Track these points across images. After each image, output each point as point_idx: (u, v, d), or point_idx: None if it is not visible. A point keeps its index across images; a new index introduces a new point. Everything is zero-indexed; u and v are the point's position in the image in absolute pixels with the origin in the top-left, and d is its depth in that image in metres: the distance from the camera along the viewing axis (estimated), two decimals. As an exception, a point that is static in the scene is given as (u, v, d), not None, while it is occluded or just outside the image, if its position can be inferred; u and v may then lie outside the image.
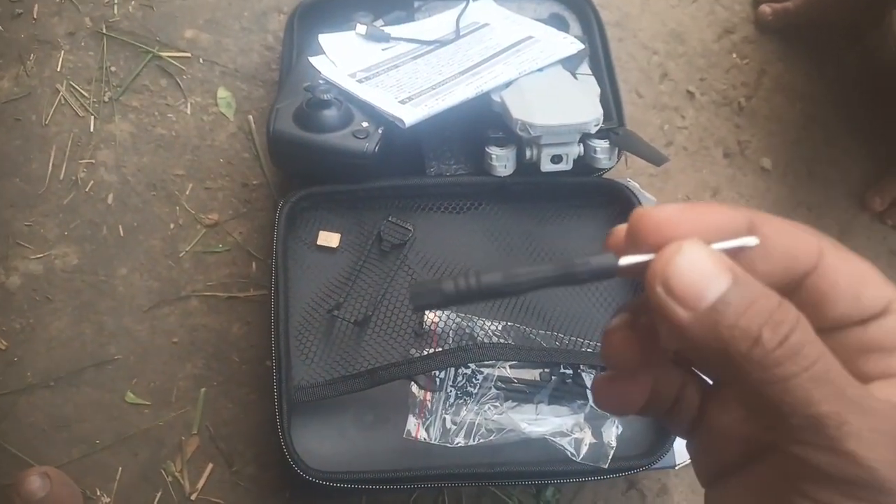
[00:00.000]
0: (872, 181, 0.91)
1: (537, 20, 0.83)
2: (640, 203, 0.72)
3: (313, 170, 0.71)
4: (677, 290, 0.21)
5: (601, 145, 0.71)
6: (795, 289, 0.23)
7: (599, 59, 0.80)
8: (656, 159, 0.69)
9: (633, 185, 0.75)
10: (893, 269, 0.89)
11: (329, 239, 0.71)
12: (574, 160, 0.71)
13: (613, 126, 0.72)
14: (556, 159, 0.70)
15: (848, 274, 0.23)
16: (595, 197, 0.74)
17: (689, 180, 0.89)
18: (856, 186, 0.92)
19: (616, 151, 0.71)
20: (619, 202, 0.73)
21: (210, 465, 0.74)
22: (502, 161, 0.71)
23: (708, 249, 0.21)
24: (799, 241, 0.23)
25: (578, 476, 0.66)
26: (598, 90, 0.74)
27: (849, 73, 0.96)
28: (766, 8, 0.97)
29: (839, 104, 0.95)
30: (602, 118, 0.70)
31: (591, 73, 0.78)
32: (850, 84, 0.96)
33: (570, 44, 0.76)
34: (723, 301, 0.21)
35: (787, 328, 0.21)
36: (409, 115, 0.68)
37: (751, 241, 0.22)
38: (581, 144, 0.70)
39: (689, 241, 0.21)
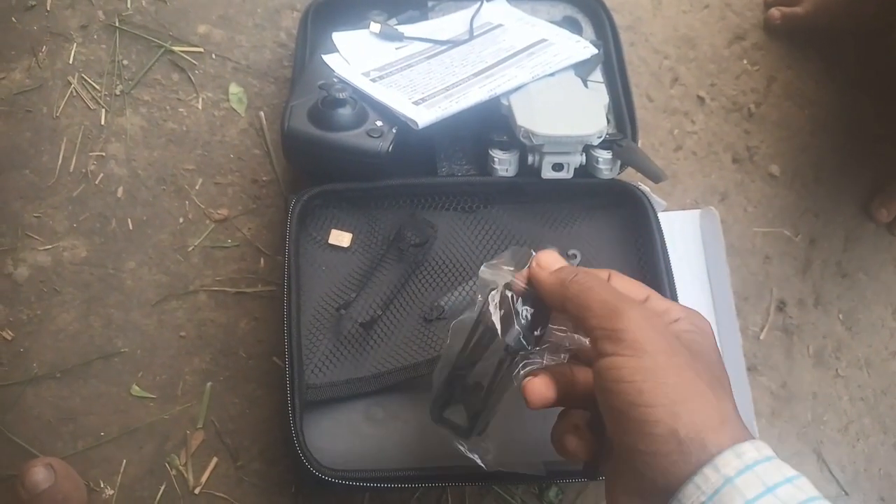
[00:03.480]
0: (879, 190, 0.91)
1: (550, 22, 0.83)
2: (651, 206, 0.73)
3: (327, 168, 0.71)
4: (543, 264, 0.50)
5: (603, 156, 0.71)
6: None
7: (613, 64, 0.80)
8: (655, 176, 0.69)
9: (644, 188, 0.75)
10: (899, 277, 0.89)
11: (341, 238, 0.71)
12: (575, 169, 0.71)
13: (617, 138, 0.72)
14: (558, 167, 0.71)
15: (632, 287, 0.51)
16: (607, 198, 0.75)
17: (698, 185, 0.90)
18: (863, 194, 0.92)
19: (618, 163, 0.71)
20: (631, 204, 0.73)
21: (215, 460, 0.74)
22: (504, 164, 0.72)
23: (555, 254, 0.51)
24: (631, 286, 0.50)
25: (587, 475, 0.66)
26: (606, 100, 0.74)
27: (858, 80, 0.97)
28: (775, 11, 0.97)
29: (848, 112, 0.95)
30: (605, 131, 0.70)
31: (602, 80, 0.78)
32: (859, 91, 0.96)
33: (584, 48, 0.77)
34: (562, 267, 0.50)
35: (580, 273, 0.48)
36: (423, 117, 0.68)
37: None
38: (583, 154, 0.71)
39: (547, 250, 0.51)
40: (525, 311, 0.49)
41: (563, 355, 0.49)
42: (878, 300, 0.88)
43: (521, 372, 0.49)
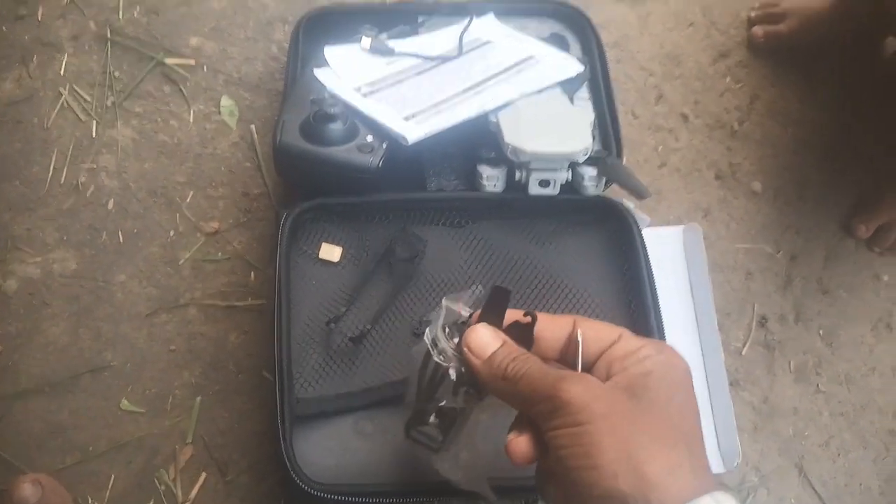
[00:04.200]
0: (860, 207, 0.93)
1: (538, 39, 0.84)
2: (635, 222, 0.74)
3: (318, 182, 0.71)
4: (474, 349, 0.49)
5: (589, 173, 0.72)
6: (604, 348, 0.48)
7: (599, 81, 0.81)
8: (638, 192, 0.71)
9: (628, 204, 0.76)
10: (877, 292, 0.91)
11: (331, 252, 0.72)
12: (561, 185, 0.73)
13: (602, 155, 0.73)
14: (544, 183, 0.72)
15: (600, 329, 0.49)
16: (592, 214, 0.76)
17: (682, 201, 0.91)
18: (844, 211, 0.94)
19: (603, 180, 0.73)
20: (616, 220, 0.75)
21: (204, 475, 0.74)
22: (492, 180, 0.73)
23: (491, 330, 0.50)
24: (600, 329, 0.49)
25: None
26: (591, 118, 0.76)
27: (841, 98, 0.99)
28: (758, 30, 0.99)
29: (831, 129, 0.97)
30: (591, 148, 0.71)
31: (588, 97, 0.79)
32: (842, 110, 0.98)
33: (571, 65, 0.78)
34: (493, 354, 0.48)
35: (511, 362, 0.47)
36: (413, 133, 0.69)
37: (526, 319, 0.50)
38: (569, 171, 0.72)
39: (481, 325, 0.50)
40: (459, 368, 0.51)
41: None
42: (858, 316, 0.90)
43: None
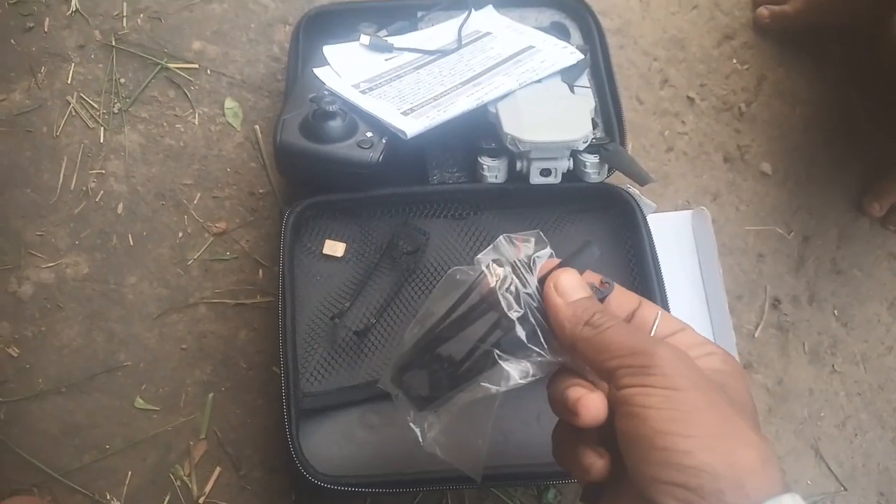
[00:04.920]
0: (871, 185, 0.92)
1: (538, 28, 0.84)
2: (640, 208, 0.74)
3: (319, 179, 0.72)
4: (560, 288, 0.44)
5: (591, 160, 0.72)
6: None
7: (600, 67, 0.81)
8: (641, 179, 0.70)
9: (633, 191, 0.76)
10: (893, 271, 0.90)
11: (335, 248, 0.72)
12: (563, 174, 0.72)
13: (604, 142, 0.73)
14: (546, 172, 0.72)
15: (668, 316, 0.47)
16: (596, 202, 0.76)
17: (690, 185, 0.90)
18: (856, 190, 0.92)
19: (605, 167, 0.72)
20: (619, 206, 0.74)
21: (218, 469, 0.75)
22: (493, 171, 0.73)
23: (577, 277, 0.45)
24: (667, 315, 0.47)
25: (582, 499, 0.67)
26: (592, 105, 0.75)
27: (849, 76, 0.97)
28: (763, 10, 0.98)
29: (839, 109, 0.96)
30: (591, 136, 0.71)
31: (589, 85, 0.79)
32: (850, 88, 0.97)
33: (571, 54, 0.78)
34: (580, 299, 0.44)
35: (600, 313, 0.43)
36: (411, 127, 0.69)
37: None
38: (571, 159, 0.72)
39: (571, 270, 0.46)
40: (537, 314, 0.44)
41: (551, 368, 0.45)
42: (873, 296, 0.89)
43: (514, 374, 0.44)
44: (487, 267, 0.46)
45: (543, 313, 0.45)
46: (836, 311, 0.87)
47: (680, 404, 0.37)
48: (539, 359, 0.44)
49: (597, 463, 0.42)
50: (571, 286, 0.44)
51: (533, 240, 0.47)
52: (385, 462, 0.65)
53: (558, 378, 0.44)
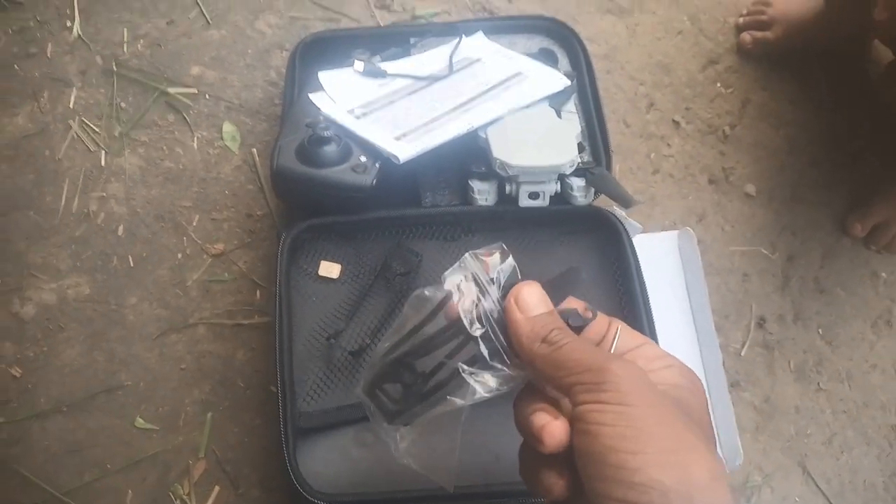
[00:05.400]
0: (854, 206, 0.94)
1: (527, 54, 0.87)
2: (626, 230, 0.76)
3: (315, 203, 0.74)
4: (521, 303, 0.45)
5: (578, 184, 0.74)
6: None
7: (587, 93, 0.84)
8: (625, 201, 0.73)
9: (619, 212, 0.78)
10: (876, 290, 0.92)
11: (330, 269, 0.74)
12: (551, 196, 0.75)
13: (590, 166, 0.76)
14: (534, 195, 0.74)
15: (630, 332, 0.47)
16: (583, 224, 0.78)
17: (676, 207, 0.93)
18: (839, 211, 0.95)
19: (592, 190, 0.75)
20: (605, 229, 0.76)
21: (217, 488, 0.77)
22: (484, 194, 0.75)
23: (543, 294, 0.45)
24: (630, 331, 0.47)
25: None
26: (578, 130, 0.78)
27: (831, 99, 1.00)
28: (746, 36, 1.01)
29: (822, 130, 0.98)
30: (577, 160, 0.73)
31: (575, 110, 0.81)
32: (833, 111, 1.00)
33: (558, 80, 0.80)
34: (539, 315, 0.44)
35: (557, 329, 0.43)
36: (404, 152, 0.72)
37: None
38: (558, 182, 0.74)
39: (535, 284, 0.46)
40: (498, 331, 0.45)
41: (516, 382, 0.46)
42: (857, 314, 0.91)
43: (479, 389, 0.45)
44: (457, 287, 0.46)
45: (505, 329, 0.45)
46: (820, 330, 0.89)
47: (632, 420, 0.38)
48: (502, 374, 0.45)
49: (557, 483, 0.42)
50: (533, 301, 0.45)
51: (497, 252, 0.48)
52: (380, 480, 0.67)
53: (524, 399, 0.45)
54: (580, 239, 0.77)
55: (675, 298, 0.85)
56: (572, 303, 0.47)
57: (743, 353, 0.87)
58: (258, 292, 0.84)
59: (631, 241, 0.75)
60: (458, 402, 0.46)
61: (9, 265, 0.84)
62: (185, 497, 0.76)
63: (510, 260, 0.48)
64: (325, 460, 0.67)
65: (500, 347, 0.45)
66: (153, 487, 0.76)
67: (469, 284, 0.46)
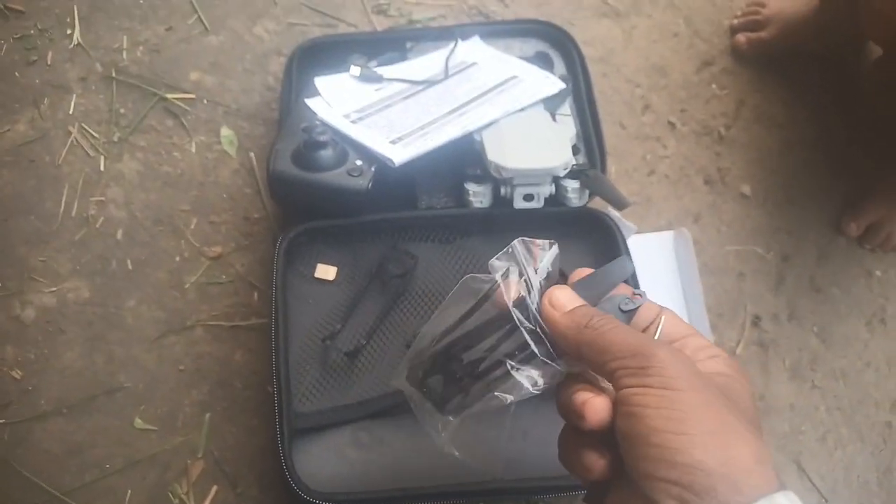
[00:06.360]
0: (849, 205, 0.95)
1: (523, 58, 0.88)
2: (620, 231, 0.76)
3: (311, 206, 0.75)
4: (555, 302, 0.46)
5: (572, 186, 0.75)
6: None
7: (582, 95, 0.84)
8: (619, 203, 0.74)
9: (615, 214, 0.78)
10: (870, 288, 0.92)
11: (326, 272, 0.75)
12: (546, 199, 0.75)
13: (584, 168, 0.76)
14: (529, 198, 0.75)
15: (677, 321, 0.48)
16: (577, 225, 0.78)
17: (671, 207, 0.93)
18: (834, 211, 0.95)
19: (586, 192, 0.76)
20: (600, 231, 0.77)
21: (215, 488, 0.77)
22: (479, 197, 0.76)
23: (570, 291, 0.47)
24: (676, 320, 0.48)
25: (571, 490, 0.69)
26: (573, 133, 0.79)
27: (825, 100, 1.01)
28: (741, 37, 1.01)
29: (816, 131, 0.99)
30: (571, 162, 0.74)
31: (570, 113, 0.82)
32: (826, 111, 1.00)
33: (552, 84, 0.81)
34: (576, 308, 0.45)
35: (598, 316, 0.44)
36: (399, 155, 0.73)
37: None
38: (553, 184, 0.75)
39: (564, 287, 0.47)
40: (542, 323, 0.46)
41: (559, 378, 0.46)
42: (851, 313, 0.91)
43: (526, 384, 0.45)
44: (503, 276, 0.47)
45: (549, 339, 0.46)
46: (815, 328, 0.90)
47: (676, 403, 0.38)
48: (550, 369, 0.46)
49: (598, 462, 0.43)
50: (566, 299, 0.46)
51: (548, 246, 0.49)
52: (375, 480, 0.67)
53: (566, 384, 0.46)
54: (576, 241, 0.78)
55: (670, 298, 0.86)
56: (622, 289, 0.49)
57: (738, 352, 0.88)
58: (255, 294, 0.85)
59: (625, 242, 0.75)
60: (507, 398, 0.46)
61: (9, 269, 0.85)
62: (183, 496, 0.77)
63: (555, 249, 0.49)
64: (321, 460, 0.68)
65: (546, 341, 0.46)
66: (152, 487, 0.77)
67: (515, 275, 0.47)
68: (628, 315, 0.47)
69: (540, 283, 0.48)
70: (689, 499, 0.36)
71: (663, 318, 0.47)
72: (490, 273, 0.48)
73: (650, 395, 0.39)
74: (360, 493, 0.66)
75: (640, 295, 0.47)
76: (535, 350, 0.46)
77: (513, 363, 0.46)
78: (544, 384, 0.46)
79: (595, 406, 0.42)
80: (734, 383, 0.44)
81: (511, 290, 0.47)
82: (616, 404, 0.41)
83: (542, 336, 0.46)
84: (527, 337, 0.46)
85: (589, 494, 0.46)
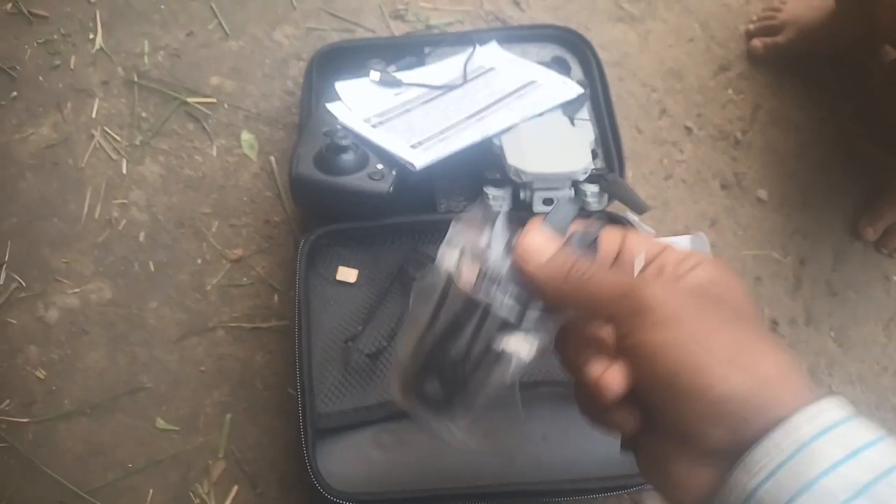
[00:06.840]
0: (865, 209, 0.95)
1: (540, 63, 0.88)
2: (639, 235, 0.77)
3: (333, 209, 0.76)
4: (528, 253, 0.40)
5: (591, 190, 0.76)
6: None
7: (600, 100, 0.85)
8: (638, 207, 0.74)
9: (633, 217, 0.79)
10: (888, 292, 0.92)
11: (347, 274, 0.76)
12: None
13: (603, 172, 0.77)
14: (548, 202, 0.75)
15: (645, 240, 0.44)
16: (597, 230, 0.79)
17: (688, 211, 0.94)
18: (850, 214, 0.96)
19: (605, 195, 0.76)
20: (619, 235, 0.78)
21: (235, 488, 0.78)
22: (498, 201, 0.77)
23: (544, 234, 0.41)
24: (645, 239, 0.43)
25: (584, 493, 0.69)
26: (592, 137, 0.79)
27: (841, 104, 1.01)
28: (757, 42, 1.02)
29: (832, 135, 0.99)
30: (591, 167, 0.74)
31: (588, 118, 0.83)
32: (842, 115, 1.00)
33: (570, 88, 0.82)
34: (553, 256, 0.40)
35: (575, 264, 0.39)
36: (420, 159, 0.73)
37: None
38: (572, 188, 0.75)
39: (533, 229, 0.41)
40: (510, 287, 0.41)
41: (549, 334, 0.42)
42: (869, 317, 0.91)
43: (518, 354, 0.42)
44: (454, 264, 0.43)
45: (517, 280, 0.42)
46: (832, 333, 0.90)
47: (682, 340, 0.36)
48: (536, 333, 0.42)
49: (627, 419, 0.40)
50: (538, 245, 0.41)
51: (480, 214, 0.45)
52: (397, 480, 0.68)
53: (567, 345, 0.42)
54: (593, 244, 0.78)
55: (686, 302, 0.86)
56: (575, 227, 0.44)
57: (755, 357, 0.88)
58: (276, 296, 0.86)
59: (643, 246, 0.76)
60: (507, 375, 0.43)
61: (34, 271, 0.86)
62: (204, 496, 0.78)
63: (500, 216, 0.44)
64: (343, 460, 0.69)
65: (522, 304, 0.42)
66: (174, 487, 0.78)
67: (465, 257, 0.43)
68: (591, 250, 0.43)
69: (499, 248, 0.43)
70: (737, 425, 0.35)
71: (640, 251, 0.43)
72: (439, 267, 0.44)
73: (654, 343, 0.36)
74: (382, 493, 0.66)
75: (594, 224, 0.43)
76: (513, 320, 0.42)
77: (498, 340, 0.43)
78: (538, 348, 0.43)
79: (608, 381, 0.39)
80: (727, 288, 0.40)
81: (466, 273, 0.42)
82: (624, 353, 0.38)
83: (515, 299, 0.42)
84: (501, 313, 0.42)
85: (624, 441, 0.43)
